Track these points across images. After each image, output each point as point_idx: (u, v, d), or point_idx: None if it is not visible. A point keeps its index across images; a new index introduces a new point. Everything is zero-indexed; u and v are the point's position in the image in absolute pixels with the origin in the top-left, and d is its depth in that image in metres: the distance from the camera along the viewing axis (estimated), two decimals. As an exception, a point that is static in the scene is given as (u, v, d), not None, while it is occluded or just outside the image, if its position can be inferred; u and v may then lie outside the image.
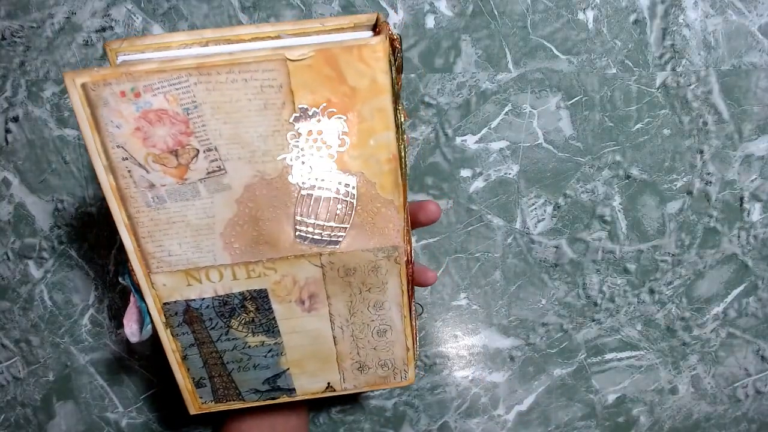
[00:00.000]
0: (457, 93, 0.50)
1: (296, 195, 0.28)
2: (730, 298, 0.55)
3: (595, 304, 0.55)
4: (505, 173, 0.52)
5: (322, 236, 0.29)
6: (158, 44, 0.28)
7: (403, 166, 0.30)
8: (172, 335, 0.32)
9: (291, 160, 0.28)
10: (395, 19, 0.49)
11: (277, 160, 0.27)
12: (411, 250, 0.32)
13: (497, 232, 0.53)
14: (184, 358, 0.33)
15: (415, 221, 0.36)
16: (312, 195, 0.28)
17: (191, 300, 0.30)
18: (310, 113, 0.27)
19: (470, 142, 0.51)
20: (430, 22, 0.49)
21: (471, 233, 0.53)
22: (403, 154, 0.29)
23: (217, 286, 0.30)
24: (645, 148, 0.51)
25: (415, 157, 0.51)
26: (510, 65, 0.50)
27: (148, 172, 0.27)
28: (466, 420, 0.57)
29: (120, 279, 0.32)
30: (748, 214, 0.53)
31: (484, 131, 0.51)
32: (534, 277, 0.54)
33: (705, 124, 0.51)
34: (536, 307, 0.55)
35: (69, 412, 0.55)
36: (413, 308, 0.34)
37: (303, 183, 0.28)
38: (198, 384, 0.34)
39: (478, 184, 0.52)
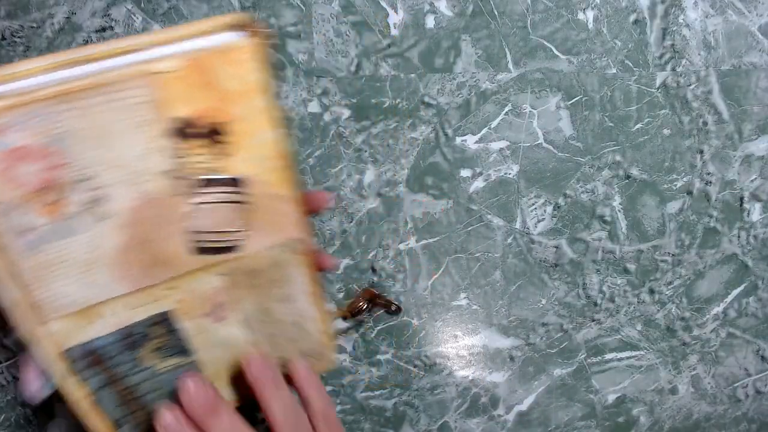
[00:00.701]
0: (457, 93, 0.50)
1: (186, 208, 0.27)
2: (730, 298, 0.55)
3: (595, 304, 0.55)
4: (505, 173, 0.52)
5: (220, 244, 0.29)
6: (12, 75, 0.25)
7: (289, 157, 0.29)
8: (80, 382, 0.29)
9: (174, 173, 0.26)
10: (395, 19, 0.49)
11: (159, 176, 0.26)
12: (311, 239, 0.32)
13: (497, 232, 0.53)
14: (97, 402, 0.31)
15: (308, 210, 0.36)
16: (203, 205, 0.27)
17: (93, 340, 0.28)
18: (187, 124, 0.26)
19: (470, 142, 0.51)
20: (430, 22, 0.49)
21: (471, 233, 0.53)
22: (286, 145, 0.29)
23: (118, 319, 0.28)
24: (645, 148, 0.51)
25: (415, 157, 0.51)
26: (510, 65, 0.50)
27: (22, 215, 0.25)
28: (466, 420, 0.57)
29: (6, 340, 0.29)
30: (748, 214, 0.53)
31: (484, 131, 0.51)
32: (534, 277, 0.54)
33: (705, 124, 0.51)
34: (536, 307, 0.55)
35: (69, 412, 0.55)
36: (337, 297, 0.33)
37: (191, 194, 0.27)
38: (117, 424, 0.32)
39: (478, 184, 0.52)
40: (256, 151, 0.27)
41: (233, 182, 0.28)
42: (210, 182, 0.27)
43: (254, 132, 0.27)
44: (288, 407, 0.30)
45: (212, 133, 0.26)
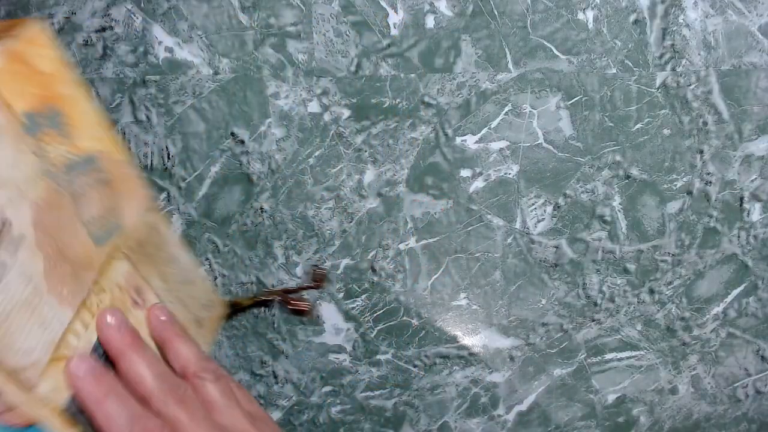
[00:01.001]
0: (457, 93, 0.50)
1: (72, 201, 0.26)
2: (730, 298, 0.55)
3: (595, 304, 0.55)
4: (505, 173, 0.52)
5: (108, 226, 0.29)
6: None
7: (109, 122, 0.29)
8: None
9: (47, 170, 0.25)
10: (395, 19, 0.49)
11: (38, 178, 0.25)
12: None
13: (497, 232, 0.53)
14: None
15: None
16: (80, 192, 0.27)
17: None
18: (34, 115, 0.25)
19: (470, 142, 0.51)
20: (430, 22, 0.49)
21: (471, 233, 0.53)
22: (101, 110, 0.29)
23: (80, 346, 0.27)
24: (645, 148, 0.51)
25: (415, 157, 0.51)
26: (510, 65, 0.50)
27: None
28: (466, 420, 0.57)
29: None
30: (748, 214, 0.53)
31: (484, 131, 0.51)
32: (534, 277, 0.54)
33: (705, 124, 0.51)
34: (536, 307, 0.55)
35: None
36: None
37: (68, 186, 0.26)
38: None
39: (478, 184, 0.52)
40: (89, 124, 0.28)
41: (90, 161, 0.28)
42: (73, 167, 0.27)
43: (80, 106, 0.27)
44: (198, 352, 0.30)
45: (55, 118, 0.26)
